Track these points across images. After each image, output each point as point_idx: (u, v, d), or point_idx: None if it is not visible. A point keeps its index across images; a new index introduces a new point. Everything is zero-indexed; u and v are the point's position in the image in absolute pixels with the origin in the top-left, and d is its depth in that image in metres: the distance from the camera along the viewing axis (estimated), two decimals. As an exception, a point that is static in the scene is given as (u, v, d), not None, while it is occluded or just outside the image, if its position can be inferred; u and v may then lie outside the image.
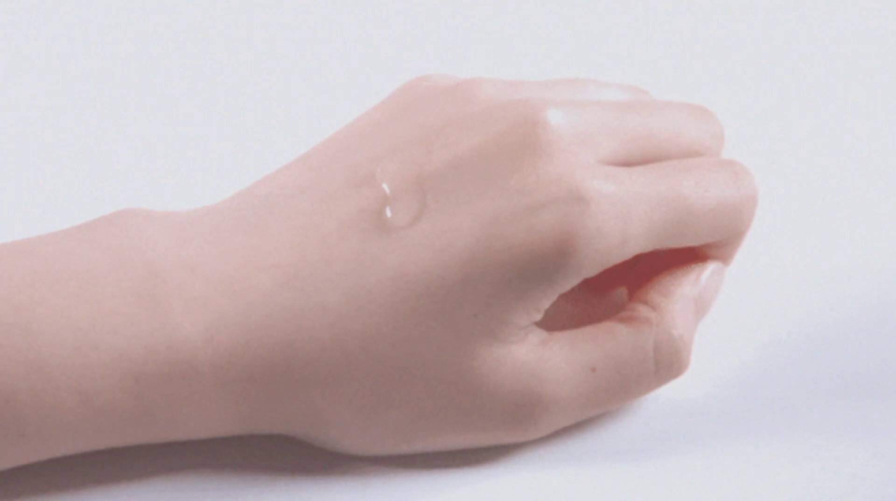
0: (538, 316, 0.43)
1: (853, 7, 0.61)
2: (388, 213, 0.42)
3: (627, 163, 0.44)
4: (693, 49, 0.60)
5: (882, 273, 0.50)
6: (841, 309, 0.49)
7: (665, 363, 0.44)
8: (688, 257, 0.46)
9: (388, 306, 0.41)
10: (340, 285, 0.41)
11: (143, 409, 0.41)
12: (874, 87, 0.58)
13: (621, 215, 0.42)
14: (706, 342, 0.48)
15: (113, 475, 0.43)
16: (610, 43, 0.60)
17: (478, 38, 0.60)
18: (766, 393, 0.47)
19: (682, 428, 0.45)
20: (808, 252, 0.51)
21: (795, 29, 0.61)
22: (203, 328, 0.41)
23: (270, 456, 0.44)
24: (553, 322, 0.45)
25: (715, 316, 0.48)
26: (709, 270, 0.46)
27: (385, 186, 0.42)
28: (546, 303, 0.42)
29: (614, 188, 0.42)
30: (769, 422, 0.46)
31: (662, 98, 0.51)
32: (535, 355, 0.43)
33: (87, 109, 0.57)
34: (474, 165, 0.42)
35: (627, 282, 0.47)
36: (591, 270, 0.42)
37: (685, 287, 0.45)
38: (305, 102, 0.57)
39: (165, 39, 0.60)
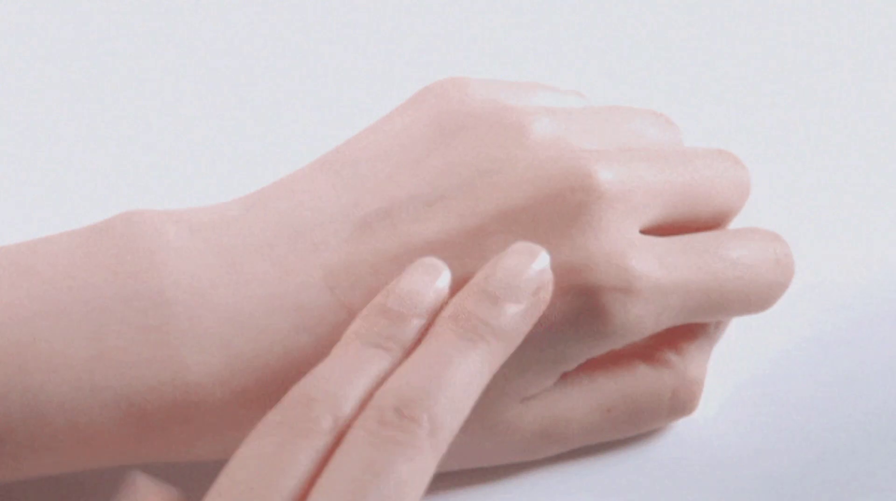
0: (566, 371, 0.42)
1: (853, 7, 0.61)
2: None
3: (665, 225, 0.43)
4: (692, 50, 0.60)
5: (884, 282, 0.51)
6: (846, 316, 0.49)
7: (678, 406, 0.44)
8: None
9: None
10: None
11: (145, 447, 0.39)
12: (874, 87, 0.58)
13: (661, 305, 0.42)
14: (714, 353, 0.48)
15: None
16: (611, 44, 0.60)
17: (478, 31, 0.60)
18: (770, 401, 0.47)
19: (683, 434, 0.46)
20: (809, 255, 0.51)
21: (794, 29, 0.61)
22: (215, 370, 0.39)
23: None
24: None
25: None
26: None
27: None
28: (574, 365, 0.42)
29: (658, 277, 0.41)
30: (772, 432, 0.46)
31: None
32: (555, 395, 0.43)
33: (94, 109, 0.56)
34: (520, 225, 0.41)
35: None
36: (623, 343, 0.42)
37: (709, 331, 0.45)
38: (308, 98, 0.57)
39: (172, 40, 0.60)
